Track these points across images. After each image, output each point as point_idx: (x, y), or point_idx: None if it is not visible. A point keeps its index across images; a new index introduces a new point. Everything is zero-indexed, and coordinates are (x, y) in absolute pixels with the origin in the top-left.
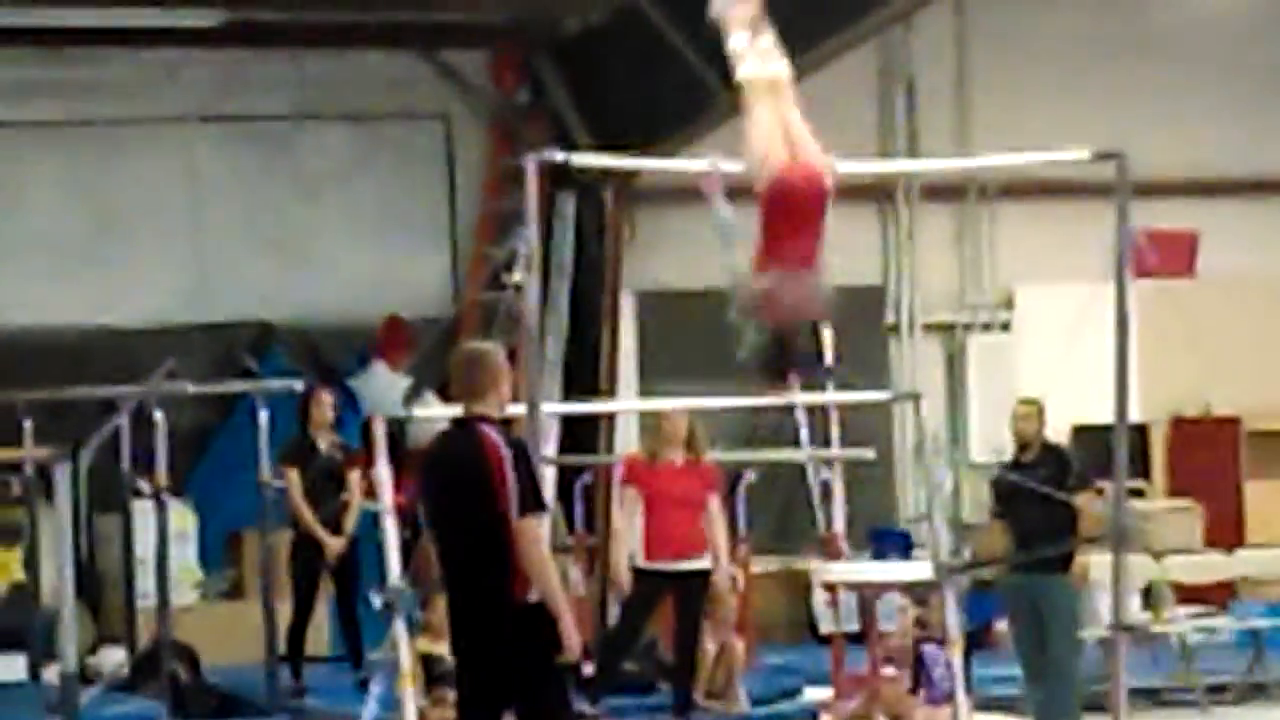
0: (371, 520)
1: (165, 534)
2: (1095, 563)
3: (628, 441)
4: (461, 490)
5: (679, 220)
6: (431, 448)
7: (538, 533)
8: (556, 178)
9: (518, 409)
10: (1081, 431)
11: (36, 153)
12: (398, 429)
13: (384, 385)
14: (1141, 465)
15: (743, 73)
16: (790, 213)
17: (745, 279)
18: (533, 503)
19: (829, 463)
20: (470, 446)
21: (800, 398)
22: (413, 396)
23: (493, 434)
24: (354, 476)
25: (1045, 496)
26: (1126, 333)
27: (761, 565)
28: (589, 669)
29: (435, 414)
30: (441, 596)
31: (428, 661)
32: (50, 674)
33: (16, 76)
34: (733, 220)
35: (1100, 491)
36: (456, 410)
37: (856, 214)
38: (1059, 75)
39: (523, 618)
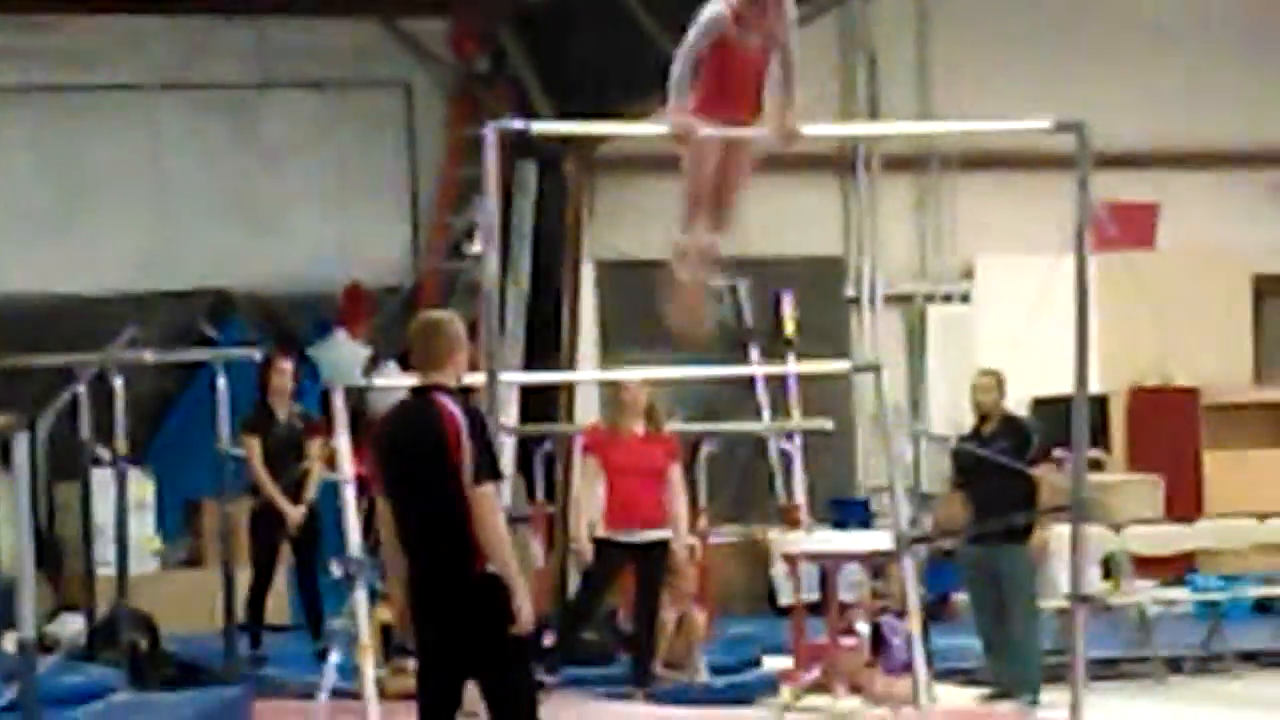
0: (331, 490)
1: (124, 502)
2: (1055, 534)
3: (588, 411)
4: (418, 459)
5: (640, 190)
6: (388, 417)
7: (492, 501)
8: (517, 147)
9: (477, 378)
10: (1041, 403)
11: (0, 119)
12: (357, 398)
13: (344, 354)
14: (1101, 436)
15: None
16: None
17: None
18: (488, 471)
19: (789, 434)
20: (427, 416)
21: (760, 369)
22: (373, 366)
23: (449, 403)
24: (314, 445)
25: (1004, 468)
26: (1086, 304)
27: (721, 536)
28: (548, 639)
29: (395, 383)
30: None
31: (387, 631)
32: (8, 642)
33: None
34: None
35: (1059, 463)
36: (416, 380)
37: (817, 185)
38: (1021, 47)
39: (481, 588)
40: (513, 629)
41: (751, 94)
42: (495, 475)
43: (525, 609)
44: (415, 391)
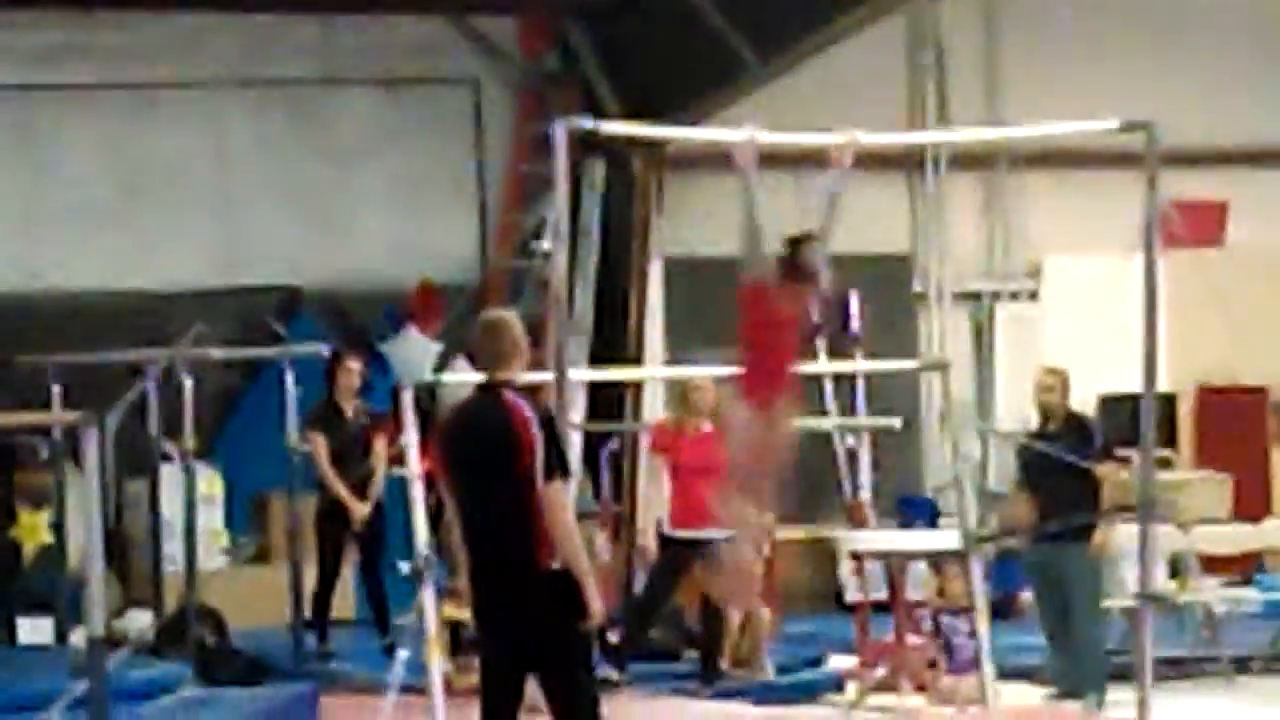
0: (398, 485)
1: (192, 498)
2: (1122, 532)
3: (654, 409)
4: (487, 456)
5: (708, 187)
6: (455, 414)
7: (563, 497)
8: (585, 144)
9: (545, 375)
10: (1109, 401)
11: (68, 117)
12: (428, 395)
13: (416, 350)
14: (1168, 435)
15: None
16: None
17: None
18: (558, 468)
19: (856, 431)
20: (496, 412)
21: (828, 366)
22: (444, 362)
23: (518, 400)
24: (380, 442)
25: (1069, 466)
26: (1155, 302)
27: (788, 534)
28: (614, 636)
29: (467, 379)
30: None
31: (455, 628)
32: (77, 637)
33: (48, 40)
34: (760, 198)
35: (1124, 461)
36: (483, 376)
37: (885, 183)
38: (1089, 45)
39: (545, 583)
40: (583, 624)
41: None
42: (565, 473)
43: (595, 604)
44: (482, 389)
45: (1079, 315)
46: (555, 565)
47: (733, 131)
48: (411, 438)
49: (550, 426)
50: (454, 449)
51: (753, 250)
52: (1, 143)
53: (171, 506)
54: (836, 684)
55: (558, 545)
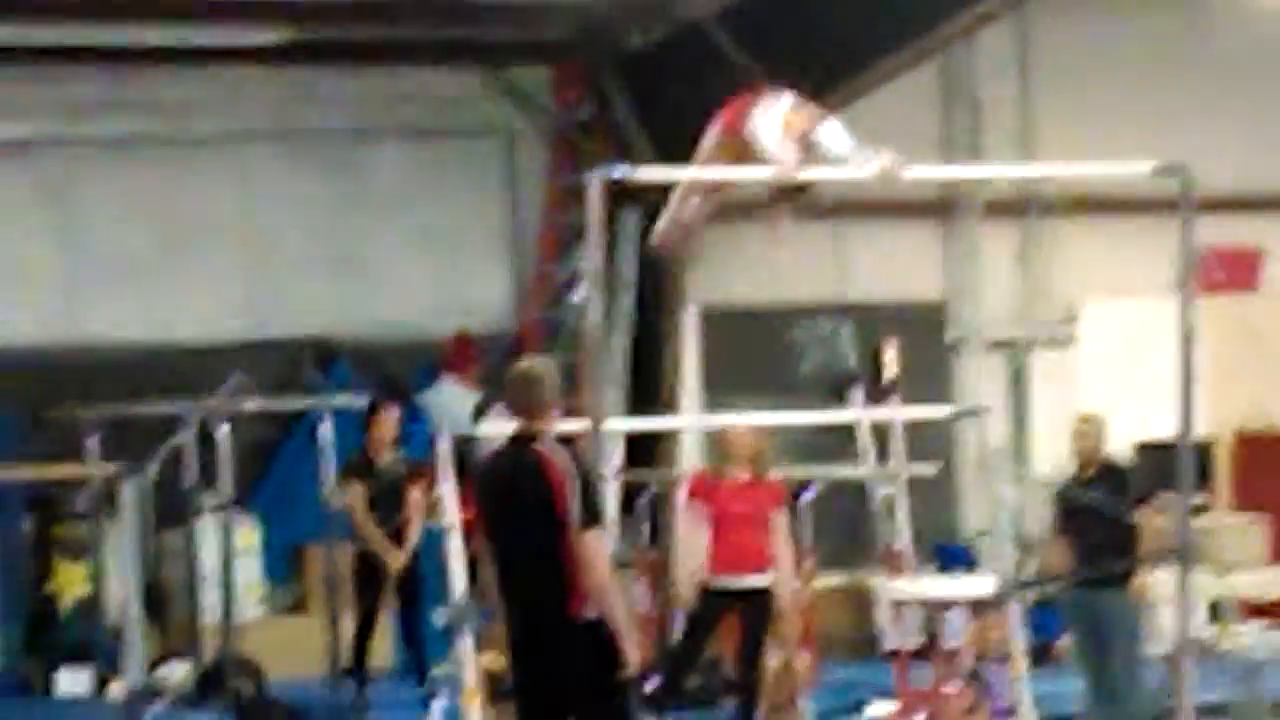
0: (435, 536)
1: (230, 548)
2: (1159, 579)
3: (691, 457)
4: (521, 506)
5: (743, 236)
6: (490, 464)
7: (599, 546)
8: (619, 194)
9: (581, 425)
10: (1146, 447)
11: (100, 170)
12: (466, 444)
13: (452, 400)
14: (1206, 480)
15: None
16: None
17: None
18: (593, 517)
19: (891, 478)
20: (529, 463)
21: (863, 413)
22: (482, 411)
23: (551, 450)
24: (416, 491)
25: (1106, 513)
26: (1191, 348)
27: (825, 581)
28: (652, 684)
29: (503, 429)
30: None
31: (492, 677)
32: (116, 688)
33: (81, 94)
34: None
35: (1162, 507)
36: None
37: (919, 230)
38: (1123, 90)
39: (581, 634)
40: (621, 674)
41: None
42: (599, 522)
43: (633, 654)
44: (515, 439)
45: (1115, 361)
46: (590, 615)
47: (762, 170)
48: (448, 487)
49: (585, 476)
50: (489, 498)
51: None
52: (36, 196)
53: (209, 557)
54: None
55: (594, 595)
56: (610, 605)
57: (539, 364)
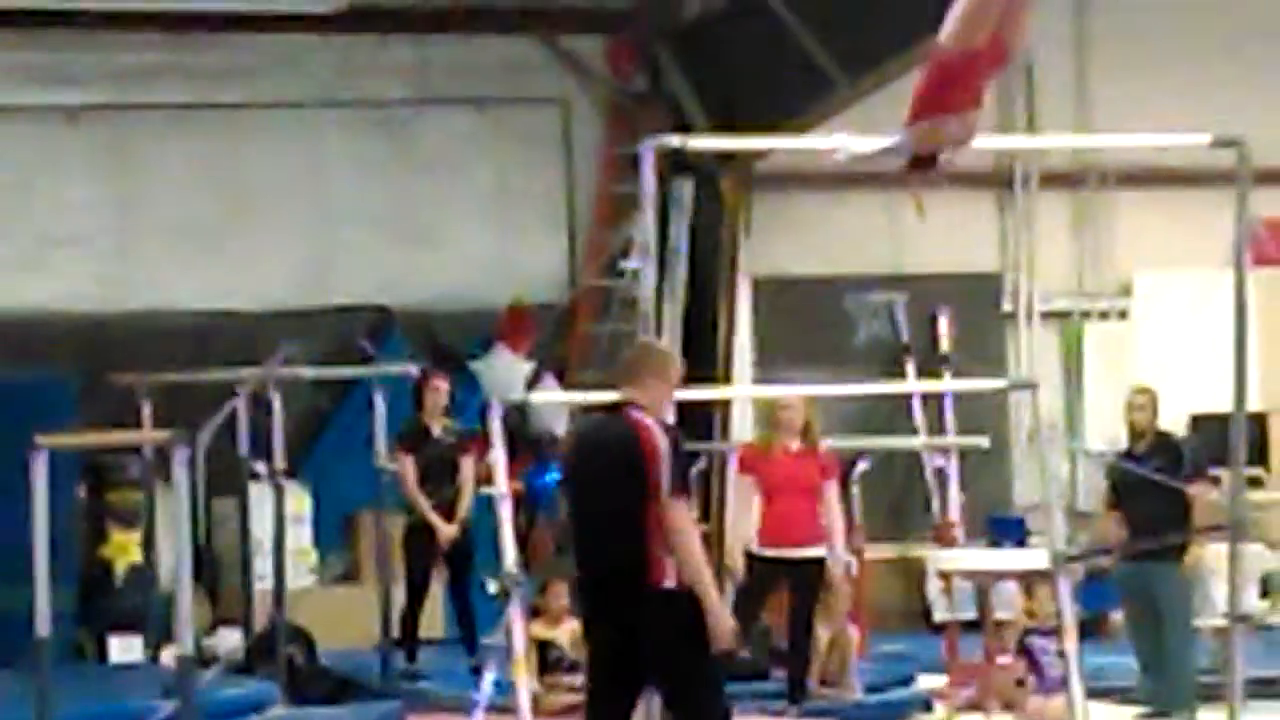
0: (486, 505)
1: (281, 517)
2: (1211, 552)
3: (743, 428)
4: (611, 471)
5: (797, 206)
6: (582, 429)
7: (686, 515)
8: (674, 164)
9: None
10: (1199, 420)
11: (162, 137)
12: (517, 413)
13: (505, 370)
14: (1260, 454)
15: None
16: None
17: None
18: (681, 485)
19: (944, 450)
20: (624, 429)
21: (916, 385)
22: (534, 381)
23: (645, 419)
24: (467, 461)
25: (1159, 486)
26: (1245, 320)
27: (876, 552)
28: (744, 653)
29: (554, 398)
30: (556, 582)
31: (542, 647)
32: (168, 655)
33: (143, 61)
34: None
35: (1215, 480)
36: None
37: (974, 202)
38: (1179, 62)
39: (661, 603)
40: (715, 647)
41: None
42: (687, 490)
43: (724, 624)
44: (610, 407)
45: (1169, 333)
46: (669, 585)
47: (822, 139)
48: (499, 456)
49: (676, 445)
50: (579, 463)
51: None
52: (96, 162)
53: (261, 525)
54: (925, 704)
55: (681, 564)
56: (696, 575)
57: (662, 346)
